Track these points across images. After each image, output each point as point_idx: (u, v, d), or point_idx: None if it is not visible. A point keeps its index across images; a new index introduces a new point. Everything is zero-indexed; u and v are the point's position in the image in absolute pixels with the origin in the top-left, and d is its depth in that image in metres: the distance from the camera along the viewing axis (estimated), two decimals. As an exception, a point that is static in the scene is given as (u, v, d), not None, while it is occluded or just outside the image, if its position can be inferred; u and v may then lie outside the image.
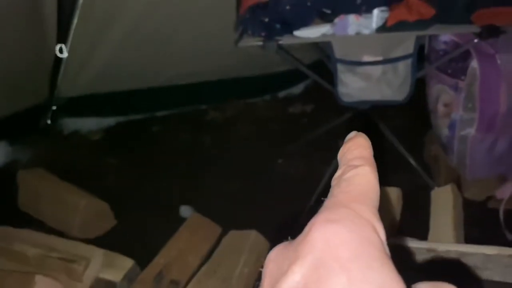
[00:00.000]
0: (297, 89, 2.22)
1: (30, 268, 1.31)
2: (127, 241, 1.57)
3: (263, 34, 1.46)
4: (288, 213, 1.73)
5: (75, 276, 1.32)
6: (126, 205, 1.72)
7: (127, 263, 1.43)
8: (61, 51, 1.61)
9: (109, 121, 2.03)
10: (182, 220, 1.65)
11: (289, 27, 1.53)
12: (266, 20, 1.47)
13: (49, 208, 1.62)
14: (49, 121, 1.99)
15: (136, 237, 1.63)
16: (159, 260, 1.48)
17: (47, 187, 1.66)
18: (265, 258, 0.25)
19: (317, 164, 1.90)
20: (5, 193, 1.73)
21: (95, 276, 1.37)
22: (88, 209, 1.60)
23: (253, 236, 1.57)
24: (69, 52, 1.60)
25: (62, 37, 1.58)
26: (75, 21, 1.50)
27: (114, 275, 1.39)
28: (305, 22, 1.57)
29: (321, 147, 1.95)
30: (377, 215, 0.23)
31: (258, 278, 0.25)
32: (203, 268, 1.46)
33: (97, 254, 1.39)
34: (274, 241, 0.27)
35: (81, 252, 1.36)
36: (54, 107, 1.94)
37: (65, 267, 1.31)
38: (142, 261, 1.44)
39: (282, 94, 2.25)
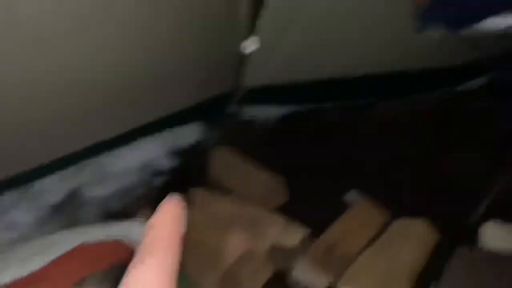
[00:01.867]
0: (476, 83, 2.11)
1: (221, 226, 1.56)
2: (295, 218, 1.71)
3: (448, 22, 1.46)
4: (459, 209, 1.69)
5: (258, 237, 1.52)
6: (297, 183, 1.87)
7: (303, 231, 1.59)
8: (250, 43, 1.81)
9: (286, 108, 2.22)
10: (348, 205, 1.74)
11: (476, 16, 1.49)
12: (452, 8, 1.46)
13: (235, 181, 1.87)
14: (233, 108, 2.27)
15: (304, 215, 1.75)
16: (329, 234, 1.60)
17: (234, 163, 1.93)
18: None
19: (493, 165, 1.80)
20: (198, 165, 2.05)
21: (273, 241, 1.56)
22: (267, 183, 1.81)
23: (421, 225, 1.58)
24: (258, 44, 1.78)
25: (252, 30, 1.75)
26: (264, 12, 1.65)
27: (291, 241, 1.56)
28: (492, 12, 1.51)
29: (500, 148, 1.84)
30: None
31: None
32: (368, 251, 1.53)
33: (279, 220, 1.58)
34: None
35: (266, 217, 1.57)
36: (238, 95, 2.20)
37: (251, 226, 1.53)
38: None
39: (460, 88, 2.17)
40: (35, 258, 0.82)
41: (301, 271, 1.51)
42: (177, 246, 0.21)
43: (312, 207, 1.77)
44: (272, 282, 1.52)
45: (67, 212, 1.74)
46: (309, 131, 2.23)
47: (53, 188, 1.74)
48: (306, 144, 2.16)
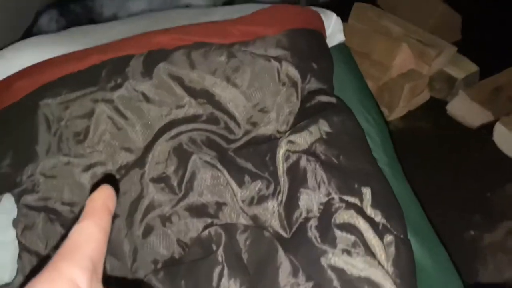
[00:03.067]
0: None
1: (391, 41, 1.51)
2: (469, 55, 1.60)
3: None
4: None
5: (426, 59, 1.47)
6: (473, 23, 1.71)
7: (472, 67, 1.51)
8: None
9: None
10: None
11: None
12: None
13: (408, 8, 1.75)
14: None
15: (474, 57, 1.63)
16: (501, 77, 1.49)
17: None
18: None
19: None
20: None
21: (440, 67, 1.51)
22: (443, 16, 1.68)
23: None
24: None
25: None
26: None
27: (457, 73, 1.49)
28: None
29: None
30: (87, 268, 0.24)
31: None
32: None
33: (449, 49, 1.49)
34: None
35: (436, 43, 1.49)
36: None
37: (420, 49, 1.47)
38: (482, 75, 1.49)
39: None
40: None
41: (460, 104, 1.47)
42: (107, 216, 0.27)
43: (485, 50, 1.64)
44: (428, 106, 1.52)
45: None
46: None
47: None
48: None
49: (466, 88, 1.48)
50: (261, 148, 0.71)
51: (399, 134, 1.45)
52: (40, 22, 1.53)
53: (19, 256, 0.59)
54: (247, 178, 0.67)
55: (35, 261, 0.60)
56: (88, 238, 0.26)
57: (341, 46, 1.04)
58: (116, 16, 1.76)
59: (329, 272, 0.50)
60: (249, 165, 0.70)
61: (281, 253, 0.54)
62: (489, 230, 1.15)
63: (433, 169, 1.31)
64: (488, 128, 1.40)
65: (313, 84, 0.82)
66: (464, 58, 1.53)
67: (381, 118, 0.91)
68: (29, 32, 1.44)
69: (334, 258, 0.51)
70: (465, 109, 1.46)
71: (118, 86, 0.73)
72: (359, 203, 0.59)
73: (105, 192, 0.29)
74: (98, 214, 0.27)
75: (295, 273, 0.51)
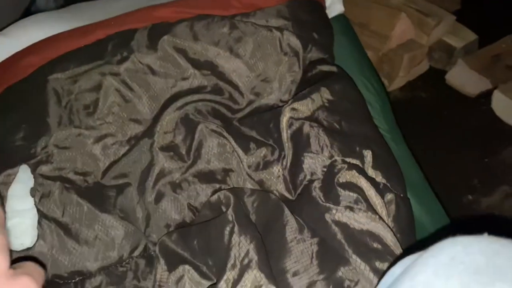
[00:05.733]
0: None
1: (389, 11, 1.51)
2: (468, 25, 1.61)
3: None
4: None
5: (425, 28, 1.48)
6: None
7: (471, 36, 1.52)
8: None
9: None
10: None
11: None
12: None
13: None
14: None
15: (474, 26, 1.64)
16: (499, 46, 1.50)
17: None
18: None
19: None
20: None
21: (439, 36, 1.51)
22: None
23: None
24: None
25: None
26: None
27: (456, 42, 1.50)
28: None
29: None
30: None
31: None
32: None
33: (448, 18, 1.50)
34: None
35: (435, 12, 1.49)
36: None
37: (419, 18, 1.48)
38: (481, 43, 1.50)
39: None
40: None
41: (459, 73, 1.48)
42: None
43: (484, 19, 1.64)
44: (427, 76, 1.53)
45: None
46: None
47: None
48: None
49: (464, 57, 1.49)
50: (265, 116, 0.74)
51: (399, 104, 1.47)
52: (38, 1, 1.53)
53: (39, 223, 0.63)
54: (252, 145, 0.70)
55: (53, 226, 0.63)
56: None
57: (340, 17, 1.05)
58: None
59: (333, 226, 0.53)
60: (253, 133, 0.73)
61: (287, 212, 0.57)
62: (487, 194, 1.18)
63: (432, 137, 1.34)
64: (486, 96, 1.42)
65: (314, 53, 0.83)
66: (463, 27, 1.53)
67: (381, 86, 0.93)
68: (28, 12, 1.44)
69: (338, 214, 0.54)
70: (463, 78, 1.47)
71: (124, 59, 0.75)
72: (360, 165, 0.62)
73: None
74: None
75: (301, 230, 0.54)
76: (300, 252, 0.53)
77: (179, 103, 0.72)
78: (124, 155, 0.71)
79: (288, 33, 0.80)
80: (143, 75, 0.75)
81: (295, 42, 0.80)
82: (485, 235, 0.31)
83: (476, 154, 1.28)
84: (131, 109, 0.74)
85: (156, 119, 0.72)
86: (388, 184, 0.62)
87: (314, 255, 0.51)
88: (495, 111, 1.40)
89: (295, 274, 0.51)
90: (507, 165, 1.26)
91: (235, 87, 0.77)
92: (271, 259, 0.53)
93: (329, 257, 0.51)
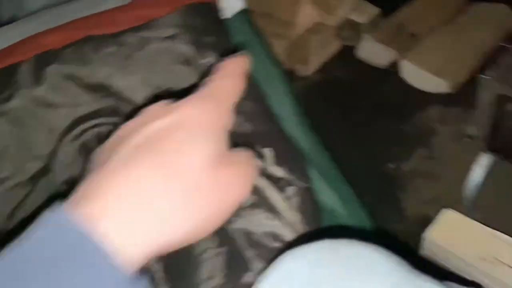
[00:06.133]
0: None
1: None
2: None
3: None
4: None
5: (329, 10, 1.52)
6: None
7: (374, 10, 1.58)
8: None
9: None
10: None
11: None
12: None
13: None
14: None
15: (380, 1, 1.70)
16: (400, 15, 1.58)
17: None
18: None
19: None
20: None
21: (345, 15, 1.57)
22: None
23: (503, 10, 1.52)
24: None
25: None
26: None
27: (360, 18, 1.56)
28: None
29: None
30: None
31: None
32: (444, 27, 1.51)
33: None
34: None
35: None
36: None
37: (322, 1, 1.52)
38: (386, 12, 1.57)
39: None
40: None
41: (367, 47, 1.55)
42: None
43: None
44: (340, 56, 1.58)
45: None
46: None
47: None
48: None
49: (370, 31, 1.56)
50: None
51: (318, 86, 1.52)
52: None
53: None
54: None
55: None
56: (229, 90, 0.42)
57: (241, 15, 1.06)
58: (16, 18, 1.66)
59: (236, 236, 0.54)
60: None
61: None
62: (405, 159, 1.25)
63: (350, 112, 1.39)
64: (396, 66, 1.50)
65: (210, 58, 0.84)
66: (366, 3, 1.60)
67: (283, 78, 0.95)
68: None
69: (239, 220, 0.55)
70: (371, 51, 1.54)
71: (11, 97, 0.72)
72: (261, 164, 0.64)
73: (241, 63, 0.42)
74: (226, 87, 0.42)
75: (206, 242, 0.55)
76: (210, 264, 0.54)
77: (76, 131, 0.71)
78: (27, 195, 0.68)
79: (180, 41, 0.80)
80: (34, 110, 0.73)
81: (187, 50, 0.80)
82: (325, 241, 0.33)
83: (392, 121, 1.36)
84: (28, 147, 0.71)
85: (54, 153, 0.70)
86: (291, 178, 0.64)
87: (220, 266, 0.53)
88: (406, 78, 1.48)
89: None
90: (421, 127, 1.33)
91: (134, 104, 0.76)
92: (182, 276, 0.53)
93: (234, 266, 0.52)
